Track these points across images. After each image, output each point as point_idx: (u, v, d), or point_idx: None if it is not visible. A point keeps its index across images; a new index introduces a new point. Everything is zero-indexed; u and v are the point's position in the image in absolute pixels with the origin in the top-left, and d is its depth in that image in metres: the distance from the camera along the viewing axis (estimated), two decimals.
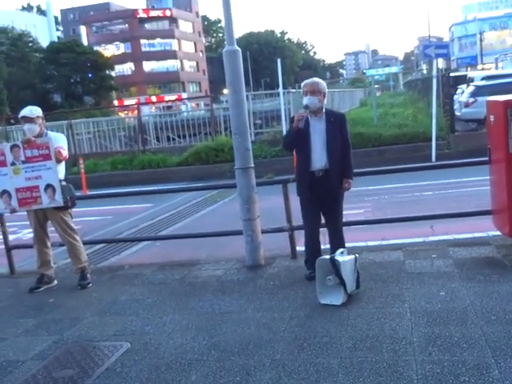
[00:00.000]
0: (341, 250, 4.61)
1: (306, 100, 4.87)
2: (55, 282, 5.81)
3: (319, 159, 4.90)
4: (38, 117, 5.51)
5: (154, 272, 5.96)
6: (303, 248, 5.32)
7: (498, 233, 5.58)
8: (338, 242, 5.06)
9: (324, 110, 4.96)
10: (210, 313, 4.53)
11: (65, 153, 5.53)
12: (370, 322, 3.98)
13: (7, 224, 6.54)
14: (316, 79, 5.09)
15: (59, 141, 5.56)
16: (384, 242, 6.43)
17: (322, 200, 5.00)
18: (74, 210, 5.74)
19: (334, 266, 4.40)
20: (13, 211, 5.55)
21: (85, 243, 6.06)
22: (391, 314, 4.07)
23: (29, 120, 5.46)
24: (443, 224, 6.54)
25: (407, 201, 8.73)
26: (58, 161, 5.42)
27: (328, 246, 5.18)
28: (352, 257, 4.58)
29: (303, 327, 4.02)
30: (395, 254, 5.64)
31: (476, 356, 3.32)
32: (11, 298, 5.55)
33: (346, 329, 3.91)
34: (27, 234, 8.16)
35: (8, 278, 6.40)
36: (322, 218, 5.17)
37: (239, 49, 5.59)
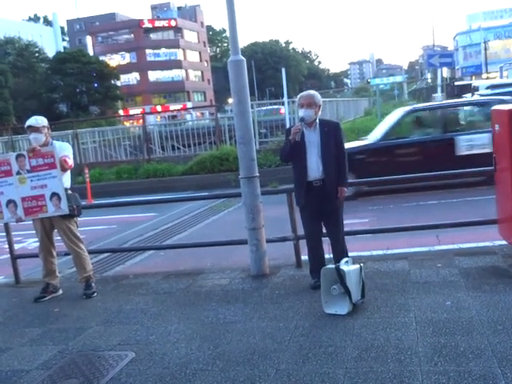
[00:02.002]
0: (346, 259, 4.60)
1: (302, 112, 4.92)
2: (60, 291, 5.82)
3: (315, 169, 4.93)
4: (43, 126, 5.55)
5: (158, 281, 5.96)
6: (307, 257, 5.31)
7: (504, 242, 5.56)
8: (340, 251, 5.06)
9: (317, 121, 5.00)
10: (215, 322, 4.52)
11: (70, 162, 5.56)
12: (376, 331, 3.97)
13: (12, 233, 6.56)
14: (312, 92, 5.14)
15: (64, 150, 5.59)
16: (389, 252, 6.42)
17: (322, 209, 5.01)
18: (79, 219, 5.76)
19: (339, 275, 4.39)
20: (19, 220, 5.56)
21: (90, 252, 6.07)
22: (397, 324, 4.06)
23: (35, 129, 5.49)
24: (449, 233, 6.52)
25: (412, 210, 8.70)
26: (64, 169, 5.45)
27: (332, 255, 5.17)
28: (357, 266, 4.57)
29: (308, 337, 4.01)
30: (400, 263, 5.63)
31: (482, 366, 3.29)
32: (16, 308, 5.56)
33: (352, 338, 3.89)
34: (32, 244, 8.18)
35: (13, 287, 6.41)
36: (324, 227, 5.18)
37: (244, 58, 5.61)
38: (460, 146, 9.81)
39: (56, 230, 5.66)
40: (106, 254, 7.65)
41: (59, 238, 5.70)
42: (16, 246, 6.87)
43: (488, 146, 9.20)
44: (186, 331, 4.39)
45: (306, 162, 4.94)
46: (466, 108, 11.15)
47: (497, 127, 5.29)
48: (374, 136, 10.92)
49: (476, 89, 19.24)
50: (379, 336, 3.88)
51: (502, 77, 31.55)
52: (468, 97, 18.16)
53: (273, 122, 19.02)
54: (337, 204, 5.04)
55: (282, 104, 17.60)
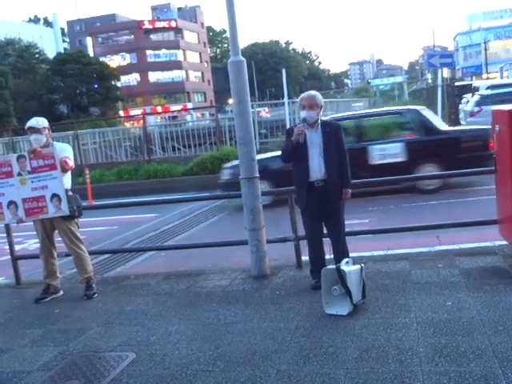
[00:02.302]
0: (346, 259, 4.60)
1: (304, 114, 4.92)
2: (61, 292, 5.82)
3: (317, 170, 4.94)
4: (44, 127, 5.55)
5: (159, 282, 5.96)
6: (308, 258, 5.31)
7: (505, 242, 5.56)
8: (341, 251, 5.06)
9: (319, 121, 5.00)
10: (216, 323, 4.53)
11: (71, 163, 5.56)
12: (376, 332, 3.97)
13: (13, 234, 6.56)
14: (313, 93, 5.12)
15: (65, 151, 5.59)
16: (390, 252, 6.42)
17: (323, 210, 5.01)
18: (79, 219, 5.77)
19: (340, 275, 4.39)
20: (20, 221, 5.57)
21: (91, 253, 6.07)
22: (397, 325, 4.06)
23: (35, 131, 5.50)
24: (449, 233, 6.52)
25: (413, 210, 8.71)
26: (64, 171, 5.45)
27: (333, 255, 5.17)
28: (358, 267, 4.57)
29: (309, 337, 4.01)
30: (401, 263, 5.63)
31: (483, 367, 3.29)
32: (17, 309, 5.56)
33: (352, 339, 3.89)
34: (33, 244, 8.18)
35: (14, 288, 6.41)
36: (325, 227, 5.18)
37: (244, 59, 5.61)
38: (373, 156, 10.15)
39: (57, 231, 5.67)
40: (106, 255, 7.65)
41: (60, 238, 5.71)
42: (17, 247, 6.88)
43: (400, 156, 9.84)
44: (186, 332, 4.39)
45: (308, 163, 4.94)
46: (379, 118, 11.42)
47: (497, 127, 5.29)
48: None
49: (476, 89, 19.23)
50: (380, 336, 3.88)
51: (502, 77, 31.57)
52: (468, 97, 18.18)
53: (273, 122, 19.04)
54: (338, 204, 5.04)
55: (283, 105, 17.60)
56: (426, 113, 10.96)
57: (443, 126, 11.05)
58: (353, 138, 10.51)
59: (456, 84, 17.58)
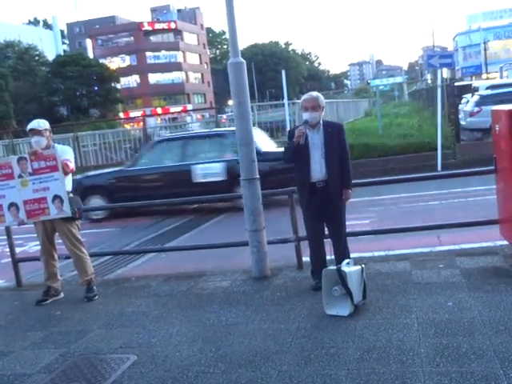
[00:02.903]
0: (347, 260, 4.60)
1: (306, 115, 4.91)
2: (62, 294, 5.82)
3: (319, 170, 4.93)
4: (45, 129, 5.55)
5: (160, 284, 5.96)
6: (309, 259, 5.31)
7: (505, 242, 5.56)
8: (342, 252, 5.06)
9: (321, 122, 4.99)
10: (217, 324, 4.52)
11: (72, 165, 5.56)
12: (377, 332, 3.97)
13: (14, 237, 6.56)
14: (315, 94, 5.10)
15: (66, 153, 5.59)
16: (390, 253, 6.42)
17: (324, 210, 5.01)
18: (80, 221, 5.77)
19: (341, 276, 4.39)
20: (21, 223, 5.56)
21: (91, 255, 6.07)
22: (398, 325, 4.06)
23: (37, 132, 5.50)
24: (450, 234, 6.52)
25: (413, 211, 8.71)
26: (65, 173, 5.45)
27: (334, 256, 5.17)
28: (358, 267, 4.57)
29: (310, 338, 4.01)
30: (402, 264, 5.63)
31: (484, 367, 3.29)
32: (18, 311, 5.56)
33: (353, 340, 3.89)
34: (34, 247, 8.18)
35: (15, 290, 6.41)
36: (326, 228, 5.18)
37: (244, 60, 5.62)
38: (195, 174, 10.80)
39: (57, 233, 5.67)
40: (107, 257, 7.66)
41: (60, 241, 5.71)
42: (17, 250, 6.88)
43: (220, 175, 10.53)
44: (187, 334, 4.39)
45: (310, 164, 4.94)
46: (204, 139, 11.98)
47: (497, 127, 5.29)
48: (129, 163, 12.36)
49: (476, 89, 19.23)
50: (381, 337, 3.88)
51: (502, 77, 31.60)
52: (468, 97, 18.17)
53: (273, 123, 19.04)
54: (339, 205, 5.04)
55: (283, 106, 17.60)
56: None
57: (268, 148, 11.27)
58: (178, 158, 11.30)
59: (456, 84, 17.53)
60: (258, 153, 10.83)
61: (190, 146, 11.50)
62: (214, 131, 13.11)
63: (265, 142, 11.66)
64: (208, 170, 10.77)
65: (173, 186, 10.54)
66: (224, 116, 27.91)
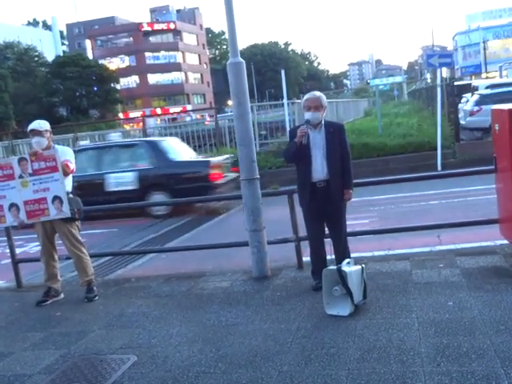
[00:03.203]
0: (347, 260, 4.60)
1: (308, 115, 4.90)
2: (62, 295, 5.82)
3: (320, 170, 4.92)
4: (46, 130, 5.56)
5: (160, 284, 5.96)
6: (309, 258, 5.31)
7: (505, 241, 5.56)
8: (342, 252, 5.06)
9: (323, 122, 4.99)
10: (217, 325, 4.52)
11: (72, 166, 5.56)
12: (378, 332, 3.96)
13: (14, 237, 6.56)
14: (317, 94, 5.10)
15: (66, 154, 5.59)
16: (390, 252, 6.42)
17: (325, 210, 5.00)
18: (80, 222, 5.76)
19: (341, 276, 4.39)
20: (21, 224, 5.56)
21: (91, 256, 6.07)
22: (399, 325, 4.05)
23: (37, 133, 5.50)
24: (450, 233, 6.52)
25: (413, 210, 8.71)
26: (66, 174, 5.45)
27: (334, 256, 5.17)
28: (359, 267, 4.57)
29: (310, 338, 4.00)
30: (402, 263, 5.62)
31: (485, 366, 3.29)
32: (18, 312, 5.56)
33: (354, 340, 3.89)
34: (34, 248, 8.18)
35: (15, 291, 6.41)
36: (326, 228, 5.18)
37: (243, 61, 5.61)
38: (108, 183, 11.30)
39: (57, 234, 5.67)
40: (107, 258, 7.66)
41: (60, 241, 5.70)
42: (17, 251, 6.88)
43: (132, 184, 11.00)
44: (187, 334, 4.39)
45: (311, 164, 4.93)
46: (118, 148, 12.33)
47: (497, 127, 5.29)
48: None
49: (476, 88, 19.24)
50: (381, 337, 3.88)
51: (501, 76, 31.62)
52: (468, 96, 18.17)
53: (273, 123, 19.03)
54: (340, 205, 5.04)
55: (282, 106, 17.60)
56: (165, 144, 11.82)
57: (182, 157, 11.68)
58: (94, 167, 11.61)
59: (455, 83, 17.56)
60: (171, 162, 11.19)
61: (105, 156, 11.88)
62: (128, 141, 13.67)
63: (181, 151, 12.05)
64: (120, 179, 11.22)
65: (88, 195, 10.15)
66: (208, 118, 28.15)
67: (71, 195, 5.59)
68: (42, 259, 5.75)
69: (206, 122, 23.68)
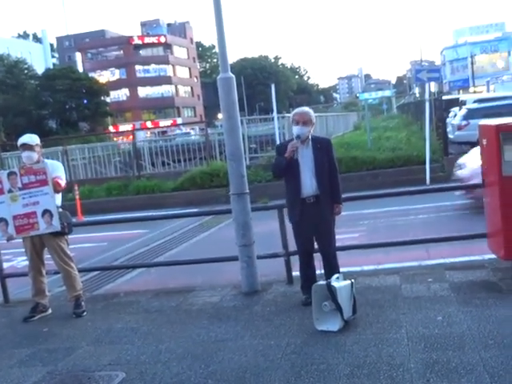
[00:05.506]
0: (336, 275, 4.60)
1: (297, 130, 4.93)
2: (50, 310, 5.76)
3: (309, 186, 4.94)
4: (36, 145, 5.55)
5: (149, 299, 5.92)
6: (299, 273, 5.30)
7: (494, 256, 5.58)
8: (331, 267, 5.06)
9: (310, 137, 5.02)
10: (206, 340, 4.49)
11: (63, 183, 5.55)
12: (367, 348, 3.96)
13: (1, 252, 6.50)
14: (306, 109, 5.16)
15: (57, 170, 5.57)
16: (380, 267, 6.43)
17: (314, 225, 5.01)
18: (69, 236, 5.73)
19: (330, 291, 4.38)
20: (10, 239, 5.52)
21: (79, 270, 6.02)
22: (388, 340, 4.05)
23: (28, 147, 5.48)
24: (439, 247, 6.54)
25: (402, 224, 8.74)
26: (56, 191, 5.44)
27: (323, 271, 5.16)
28: (348, 282, 4.57)
29: (300, 354, 3.99)
30: (391, 278, 5.63)
31: (474, 382, 3.30)
32: (5, 328, 5.49)
33: (343, 355, 3.88)
34: (21, 262, 8.10)
35: (2, 306, 6.33)
36: (316, 243, 5.18)
37: (233, 76, 5.64)
38: None
39: (46, 249, 5.62)
40: (95, 272, 7.59)
41: (49, 256, 5.66)
42: (5, 265, 6.81)
43: None
44: (177, 350, 4.36)
45: (300, 179, 4.95)
46: None
47: (484, 142, 5.34)
48: None
49: (463, 103, 19.42)
50: (371, 352, 3.87)
51: (488, 91, 31.97)
52: (456, 111, 18.34)
53: (263, 137, 19.09)
54: (329, 220, 5.05)
55: (272, 119, 17.67)
56: None
57: None
58: None
59: (443, 98, 17.73)
60: None
61: None
62: None
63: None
64: None
65: None
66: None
67: (60, 209, 5.56)
68: (29, 274, 5.69)
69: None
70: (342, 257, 5.59)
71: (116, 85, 69.84)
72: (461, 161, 9.90)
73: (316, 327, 4.41)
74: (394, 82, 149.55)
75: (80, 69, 67.01)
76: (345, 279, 4.61)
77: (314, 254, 5.21)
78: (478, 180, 8.15)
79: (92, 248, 9.65)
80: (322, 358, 3.88)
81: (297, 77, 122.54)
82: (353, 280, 4.68)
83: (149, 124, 64.59)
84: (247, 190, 5.68)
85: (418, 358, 3.70)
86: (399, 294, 5.08)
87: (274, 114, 16.79)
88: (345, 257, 5.93)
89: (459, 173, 9.39)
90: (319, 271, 5.20)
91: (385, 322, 4.42)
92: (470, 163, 9.33)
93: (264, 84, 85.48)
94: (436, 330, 4.15)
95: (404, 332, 4.17)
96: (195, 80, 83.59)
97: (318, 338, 4.26)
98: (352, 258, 6.48)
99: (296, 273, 5.58)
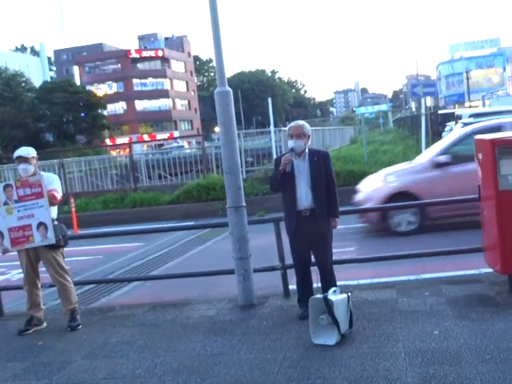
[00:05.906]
0: (333, 288, 4.59)
1: (292, 143, 4.96)
2: (45, 323, 5.72)
3: (305, 199, 4.95)
4: (33, 157, 5.55)
5: (145, 313, 5.89)
6: (296, 287, 5.29)
7: (490, 270, 5.58)
8: (328, 280, 5.05)
9: (307, 150, 5.03)
10: (202, 354, 4.47)
11: (59, 196, 5.54)
12: (364, 362, 3.94)
13: None
14: (301, 122, 5.18)
15: (53, 183, 5.55)
16: (376, 280, 6.41)
17: (310, 238, 5.01)
18: (64, 249, 5.70)
19: (327, 305, 4.37)
20: (5, 251, 5.50)
21: (75, 283, 5.98)
22: (385, 354, 4.03)
23: (25, 160, 5.48)
24: (435, 261, 6.54)
25: (399, 238, 8.73)
26: (52, 204, 5.42)
27: (320, 284, 5.15)
28: (345, 296, 4.55)
29: (296, 368, 3.97)
30: (388, 292, 5.62)
31: None
32: None
33: (340, 369, 3.86)
34: (16, 275, 8.06)
35: None
36: (313, 256, 5.18)
37: (230, 89, 5.66)
38: None
39: (41, 261, 5.60)
40: (91, 285, 7.55)
41: (44, 269, 5.63)
42: (0, 278, 6.77)
43: None
44: (172, 364, 4.33)
45: (296, 192, 4.96)
46: None
47: (480, 156, 5.36)
48: None
49: (459, 117, 19.51)
50: (368, 366, 3.85)
51: (484, 105, 32.15)
52: (451, 125, 18.43)
53: (259, 150, 19.15)
54: (326, 233, 5.05)
55: (269, 133, 17.73)
56: None
57: None
58: None
59: (439, 112, 17.87)
60: None
61: None
62: None
63: None
64: None
65: None
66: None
67: (56, 222, 5.54)
68: (24, 287, 5.66)
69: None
70: (339, 270, 5.58)
71: (113, 98, 70.02)
72: (358, 186, 10.40)
73: (313, 341, 4.39)
74: (390, 96, 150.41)
75: (77, 82, 67.18)
76: (342, 293, 4.60)
77: (311, 268, 5.19)
78: (370, 204, 8.97)
79: (88, 261, 9.61)
80: (319, 372, 3.86)
81: (294, 91, 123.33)
82: (349, 293, 4.67)
83: (146, 137, 64.67)
84: (244, 203, 5.68)
85: (415, 372, 3.69)
86: (396, 308, 5.07)
87: (271, 127, 16.87)
88: (341, 270, 5.93)
89: (356, 197, 9.89)
90: (316, 285, 5.19)
91: (382, 336, 4.40)
92: (364, 188, 9.99)
93: (261, 98, 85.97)
94: (433, 344, 4.14)
95: (401, 346, 4.16)
96: (192, 93, 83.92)
97: (315, 351, 4.24)
98: (348, 271, 6.47)
99: (293, 286, 5.56)
